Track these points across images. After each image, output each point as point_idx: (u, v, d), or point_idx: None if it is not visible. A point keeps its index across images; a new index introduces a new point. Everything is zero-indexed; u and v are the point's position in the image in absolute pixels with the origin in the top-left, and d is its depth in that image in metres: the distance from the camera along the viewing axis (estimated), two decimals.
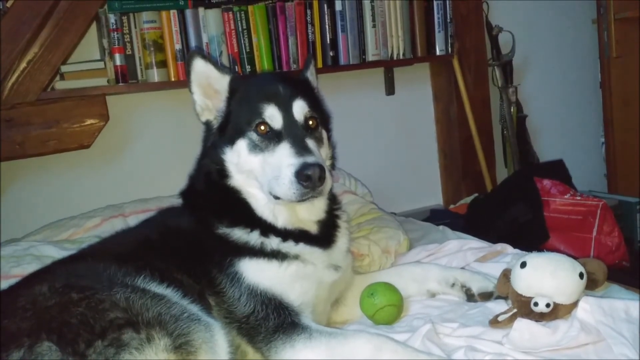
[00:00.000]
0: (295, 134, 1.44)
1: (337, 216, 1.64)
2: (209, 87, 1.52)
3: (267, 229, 1.48)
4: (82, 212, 2.26)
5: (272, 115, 1.46)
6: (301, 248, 1.47)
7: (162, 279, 1.32)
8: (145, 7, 2.46)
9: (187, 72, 1.51)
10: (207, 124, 1.56)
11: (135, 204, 2.28)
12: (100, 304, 1.17)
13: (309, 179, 1.35)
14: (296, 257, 1.46)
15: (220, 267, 1.44)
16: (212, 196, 1.54)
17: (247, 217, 1.49)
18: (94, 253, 1.51)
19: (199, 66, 1.50)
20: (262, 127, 1.46)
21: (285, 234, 1.48)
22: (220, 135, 1.52)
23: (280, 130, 1.45)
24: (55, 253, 1.84)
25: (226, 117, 1.52)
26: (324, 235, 1.55)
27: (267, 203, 1.48)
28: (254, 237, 1.46)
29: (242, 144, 1.48)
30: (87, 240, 1.94)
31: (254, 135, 1.46)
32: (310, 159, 1.37)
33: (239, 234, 1.47)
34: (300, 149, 1.40)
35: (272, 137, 1.45)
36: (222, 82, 1.53)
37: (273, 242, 1.46)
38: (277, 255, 1.45)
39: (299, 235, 1.49)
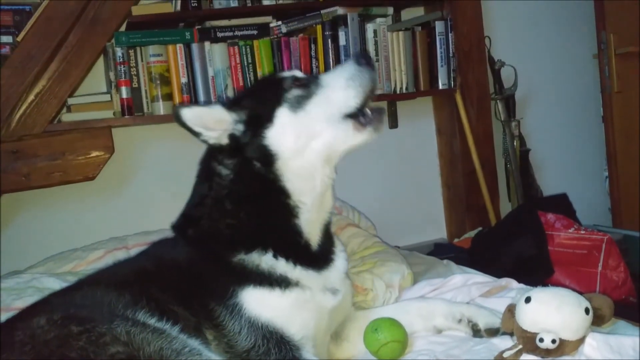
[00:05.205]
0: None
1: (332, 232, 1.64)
2: (207, 123, 1.47)
3: (288, 245, 1.46)
4: (85, 245, 2.26)
5: (295, 72, 1.50)
6: (299, 271, 1.45)
7: (161, 312, 1.31)
8: (152, 41, 2.50)
9: (183, 126, 1.45)
10: (233, 138, 1.47)
11: (138, 236, 2.27)
12: (100, 337, 1.15)
13: (367, 56, 1.50)
14: (297, 283, 1.44)
15: (220, 298, 1.41)
16: (236, 215, 1.48)
17: (275, 231, 1.47)
18: (91, 282, 1.49)
19: (187, 114, 1.45)
20: (296, 82, 1.47)
21: (295, 251, 1.46)
22: (252, 129, 1.46)
23: (307, 77, 1.51)
24: (58, 286, 1.83)
25: (248, 114, 1.48)
26: (323, 249, 1.54)
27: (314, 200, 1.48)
28: (266, 260, 1.44)
29: (282, 112, 1.44)
30: (89, 273, 1.93)
31: (294, 92, 1.45)
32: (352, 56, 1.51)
33: (254, 257, 1.44)
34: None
35: (310, 81, 1.48)
36: (214, 110, 1.48)
37: (281, 265, 1.43)
38: (281, 283, 1.42)
39: (299, 253, 1.48)
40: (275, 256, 1.44)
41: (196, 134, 1.46)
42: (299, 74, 1.52)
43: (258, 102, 1.49)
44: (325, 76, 1.50)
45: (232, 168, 1.48)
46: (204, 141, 1.49)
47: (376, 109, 1.49)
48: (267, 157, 1.44)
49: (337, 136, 1.46)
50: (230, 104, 1.51)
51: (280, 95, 1.46)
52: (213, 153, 1.52)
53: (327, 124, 1.45)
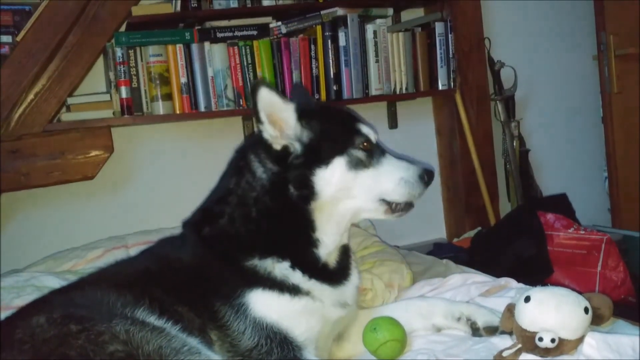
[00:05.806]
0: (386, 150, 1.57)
1: (349, 248, 1.65)
2: (273, 115, 1.46)
3: (304, 258, 1.48)
4: (85, 243, 2.26)
5: (370, 134, 1.54)
6: (313, 284, 1.46)
7: (162, 311, 1.31)
8: (152, 42, 2.50)
9: (254, 102, 1.42)
10: (285, 149, 1.47)
11: (137, 235, 2.27)
12: (99, 336, 1.15)
13: (432, 175, 1.57)
14: (307, 292, 1.45)
15: (226, 298, 1.41)
16: (258, 221, 1.48)
17: (293, 243, 1.49)
18: (92, 281, 1.49)
19: (265, 95, 1.43)
20: (366, 144, 1.51)
21: (310, 266, 1.48)
22: (306, 157, 1.47)
23: (377, 146, 1.54)
24: (57, 284, 1.83)
25: (311, 140, 1.48)
26: (340, 267, 1.56)
27: (337, 226, 1.52)
28: (281, 268, 1.44)
29: (339, 162, 1.47)
30: (89, 271, 1.92)
31: (358, 153, 1.49)
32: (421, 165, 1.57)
33: (267, 264, 1.44)
34: (405, 159, 1.56)
35: (375, 152, 1.52)
36: (287, 110, 1.47)
37: (296, 277, 1.45)
38: (292, 290, 1.43)
39: (316, 270, 1.49)
40: (292, 267, 1.45)
41: (259, 120, 1.45)
42: (373, 136, 1.55)
43: (326, 136, 1.50)
44: (389, 160, 1.55)
45: (269, 174, 1.48)
46: (260, 131, 1.48)
47: (408, 203, 1.56)
48: (308, 191, 1.46)
49: (367, 209, 1.55)
50: (302, 113, 1.49)
51: (347, 147, 1.49)
52: (255, 145, 1.50)
53: (365, 196, 1.52)
